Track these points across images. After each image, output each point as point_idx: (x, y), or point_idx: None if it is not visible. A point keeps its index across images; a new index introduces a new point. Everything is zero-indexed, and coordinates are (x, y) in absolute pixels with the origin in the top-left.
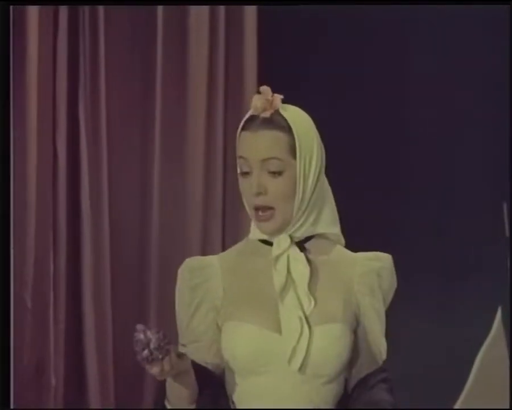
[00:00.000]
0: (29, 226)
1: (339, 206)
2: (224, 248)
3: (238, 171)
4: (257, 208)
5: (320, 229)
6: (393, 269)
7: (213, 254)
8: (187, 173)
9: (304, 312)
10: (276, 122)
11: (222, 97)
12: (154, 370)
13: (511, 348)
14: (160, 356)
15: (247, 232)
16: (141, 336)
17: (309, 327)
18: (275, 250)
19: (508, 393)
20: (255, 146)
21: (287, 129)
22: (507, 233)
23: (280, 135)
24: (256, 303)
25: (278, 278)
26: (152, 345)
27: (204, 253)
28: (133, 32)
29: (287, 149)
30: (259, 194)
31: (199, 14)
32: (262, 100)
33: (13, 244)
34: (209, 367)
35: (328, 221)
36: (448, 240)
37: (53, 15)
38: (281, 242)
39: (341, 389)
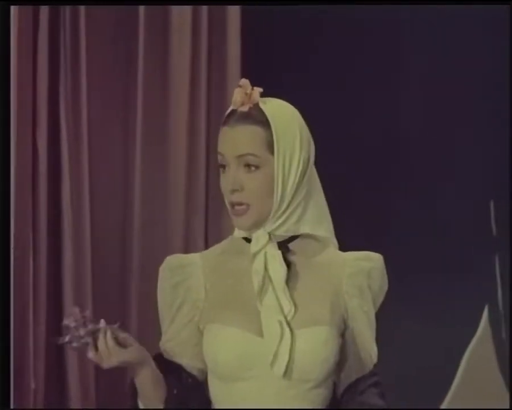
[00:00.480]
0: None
1: (333, 205)
2: (207, 244)
3: (219, 166)
4: (232, 204)
5: (303, 229)
6: (384, 269)
7: (196, 250)
8: (169, 169)
9: (284, 315)
10: (254, 117)
11: (205, 92)
12: (91, 355)
13: (510, 347)
14: (82, 334)
15: (229, 227)
16: (66, 321)
17: (291, 330)
18: (253, 246)
19: (495, 391)
20: (231, 141)
21: (265, 124)
22: (494, 232)
23: (257, 130)
24: (239, 304)
25: (256, 277)
26: (72, 324)
27: (186, 248)
28: (115, 29)
29: (264, 144)
30: (234, 191)
31: (181, 12)
32: (241, 94)
33: None
34: (190, 369)
35: (313, 221)
36: (435, 239)
37: (33, 12)
38: (260, 238)
39: (329, 394)
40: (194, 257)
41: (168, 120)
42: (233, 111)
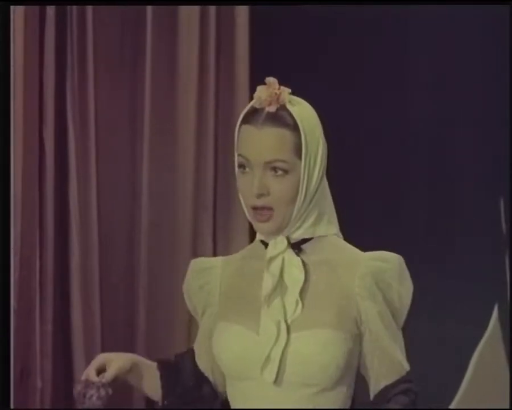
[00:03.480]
0: (15, 224)
1: (341, 204)
2: (215, 243)
3: (237, 166)
4: (255, 208)
5: (319, 232)
6: (403, 269)
7: (204, 249)
8: (177, 167)
9: (285, 317)
10: (282, 119)
11: (213, 92)
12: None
13: (510, 348)
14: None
15: (238, 226)
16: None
17: (288, 333)
18: (270, 251)
19: (505, 391)
20: (258, 146)
21: (294, 127)
22: (504, 230)
23: (286, 134)
24: (246, 305)
25: (269, 281)
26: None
27: (195, 247)
28: (122, 29)
29: (293, 149)
30: (260, 196)
31: (189, 12)
32: (268, 93)
33: None
34: (203, 372)
35: (329, 222)
36: (445, 237)
37: (39, 11)
38: (278, 244)
39: (346, 398)
40: (216, 261)
41: (176, 119)
42: (258, 110)
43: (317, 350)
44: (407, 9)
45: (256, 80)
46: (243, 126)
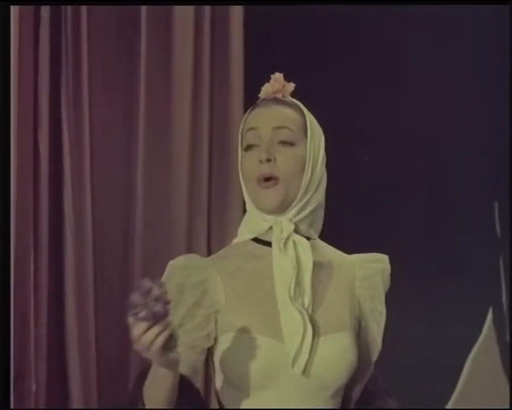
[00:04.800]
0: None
1: (337, 205)
2: (209, 244)
3: (242, 146)
4: (261, 178)
5: (313, 234)
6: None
7: (198, 250)
8: (171, 168)
9: (306, 308)
10: (289, 102)
11: (208, 92)
12: (135, 330)
13: (510, 349)
14: (148, 316)
15: (232, 227)
16: (145, 284)
17: (313, 326)
18: (277, 234)
19: (499, 392)
20: (267, 115)
21: (299, 111)
22: (499, 233)
23: (293, 112)
24: (261, 311)
25: (289, 266)
26: (147, 299)
27: (189, 249)
28: (117, 29)
29: (300, 125)
30: (267, 161)
31: (184, 12)
32: (275, 84)
33: None
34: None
35: (315, 231)
36: (440, 240)
37: (34, 11)
38: (285, 225)
39: (341, 399)
40: (205, 260)
41: (171, 120)
42: (264, 99)
43: (340, 354)
44: (407, 9)
45: (250, 80)
46: (252, 112)
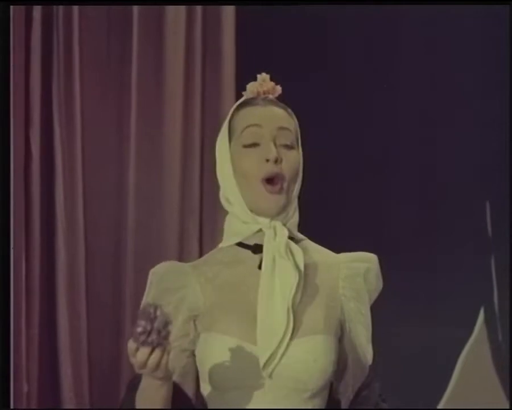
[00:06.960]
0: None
1: (331, 204)
2: (201, 245)
3: (240, 142)
4: (269, 179)
5: (299, 235)
6: (379, 269)
7: (190, 252)
8: (163, 169)
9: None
10: (283, 105)
11: (199, 92)
12: (140, 356)
13: (510, 350)
14: (155, 340)
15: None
16: (151, 310)
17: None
18: (275, 237)
19: (490, 391)
20: (270, 114)
21: (293, 115)
22: (490, 233)
23: (289, 116)
24: (237, 314)
25: (290, 274)
26: (155, 324)
27: (181, 250)
28: (109, 29)
29: (294, 129)
30: (276, 161)
31: (176, 12)
32: (264, 85)
33: None
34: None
35: (296, 224)
36: (431, 239)
37: (25, 11)
38: (279, 231)
39: (325, 402)
40: (186, 267)
41: (162, 120)
42: (253, 98)
43: (313, 357)
44: (407, 9)
45: (242, 79)
46: (245, 109)
